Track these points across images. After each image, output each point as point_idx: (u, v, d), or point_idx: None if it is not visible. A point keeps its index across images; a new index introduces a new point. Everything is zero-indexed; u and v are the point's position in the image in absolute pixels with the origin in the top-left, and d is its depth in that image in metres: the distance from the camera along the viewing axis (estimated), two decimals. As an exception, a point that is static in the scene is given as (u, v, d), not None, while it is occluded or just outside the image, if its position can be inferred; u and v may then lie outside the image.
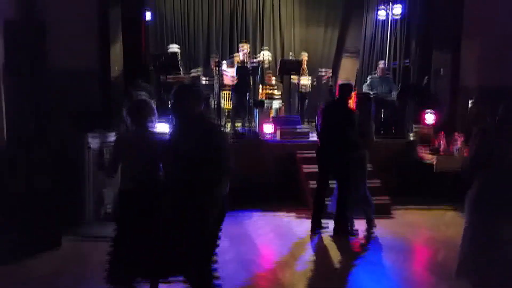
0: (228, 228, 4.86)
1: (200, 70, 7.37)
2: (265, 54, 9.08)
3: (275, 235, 4.81)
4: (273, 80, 8.95)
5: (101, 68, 5.75)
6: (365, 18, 9.91)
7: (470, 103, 6.61)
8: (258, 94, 9.09)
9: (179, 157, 2.69)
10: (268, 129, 6.47)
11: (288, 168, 6.20)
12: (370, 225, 4.79)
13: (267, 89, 8.95)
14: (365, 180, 4.77)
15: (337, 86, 4.99)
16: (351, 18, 10.68)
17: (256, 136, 6.37)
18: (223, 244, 4.40)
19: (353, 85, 10.63)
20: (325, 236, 4.80)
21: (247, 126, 7.33)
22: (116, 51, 5.89)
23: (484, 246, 2.88)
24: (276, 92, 8.84)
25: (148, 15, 8.09)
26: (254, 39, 10.21)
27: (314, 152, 6.19)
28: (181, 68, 6.94)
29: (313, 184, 5.73)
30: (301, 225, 5.14)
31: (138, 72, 5.93)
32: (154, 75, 6.77)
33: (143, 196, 2.82)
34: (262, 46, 9.92)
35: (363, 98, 4.94)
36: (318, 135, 5.05)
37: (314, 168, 5.93)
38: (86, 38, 5.63)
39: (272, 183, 6.08)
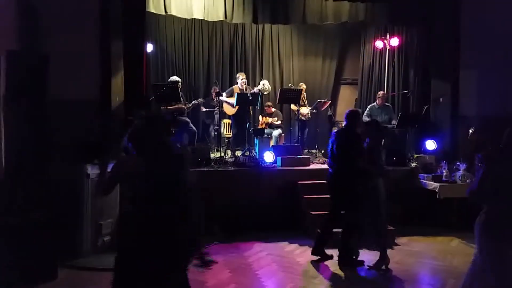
0: (229, 259, 4.80)
1: (200, 100, 7.43)
2: (265, 84, 9.20)
3: (278, 266, 4.66)
4: (272, 109, 9.01)
5: (102, 99, 5.79)
6: (362, 49, 10.10)
7: (470, 131, 6.64)
8: (259, 123, 9.13)
9: (148, 185, 2.65)
10: (269, 157, 6.43)
11: (289, 196, 6.13)
12: (381, 258, 4.58)
13: (267, 118, 8.99)
14: (380, 211, 4.54)
15: (346, 114, 4.90)
16: (349, 49, 10.90)
17: (256, 164, 6.32)
18: (223, 276, 4.30)
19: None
20: (330, 266, 4.66)
21: (247, 154, 7.31)
22: (118, 82, 5.95)
23: (495, 273, 2.79)
24: (275, 121, 8.88)
25: (149, 47, 8.30)
26: (254, 71, 10.36)
27: (315, 181, 6.20)
28: (181, 97, 7.00)
29: (314, 212, 5.67)
30: (304, 254, 5.01)
31: (138, 102, 5.96)
32: (155, 105, 6.81)
33: (145, 218, 2.73)
34: (261, 77, 10.05)
35: (372, 125, 4.88)
36: (329, 163, 4.95)
37: (316, 197, 5.89)
38: (87, 70, 5.71)
39: (273, 212, 5.99)
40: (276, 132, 8.78)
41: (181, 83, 7.18)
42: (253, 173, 6.16)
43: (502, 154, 2.98)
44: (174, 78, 7.21)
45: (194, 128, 7.14)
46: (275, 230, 5.79)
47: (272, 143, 8.67)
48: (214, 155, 7.24)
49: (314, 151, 8.87)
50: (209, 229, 5.61)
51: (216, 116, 7.65)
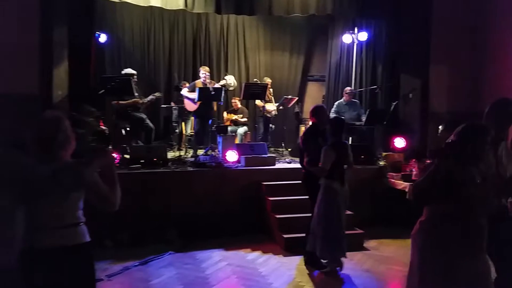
0: (183, 272, 4.30)
1: (158, 94, 6.87)
2: (230, 79, 8.73)
3: (238, 279, 4.20)
4: (239, 105, 8.59)
5: (42, 92, 5.15)
6: (330, 44, 9.82)
7: (440, 129, 6.43)
8: (223, 120, 8.68)
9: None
10: (232, 156, 5.99)
11: (253, 198, 5.70)
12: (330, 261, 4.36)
13: (231, 115, 8.56)
14: (328, 213, 4.25)
15: (311, 110, 4.60)
16: (316, 44, 10.68)
17: (218, 164, 5.85)
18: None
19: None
20: (296, 277, 4.28)
21: (210, 153, 6.85)
22: (60, 74, 5.33)
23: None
24: (241, 118, 8.47)
25: (103, 37, 7.66)
26: (218, 65, 9.90)
27: (280, 181, 5.82)
28: (135, 91, 6.43)
29: (279, 215, 5.28)
30: (267, 263, 4.60)
31: (85, 96, 5.36)
32: (106, 100, 6.23)
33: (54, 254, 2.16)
34: (226, 72, 9.58)
35: (336, 121, 4.49)
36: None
37: (281, 198, 5.51)
38: (26, 60, 5.08)
39: (236, 216, 5.55)
40: (242, 130, 8.37)
41: (136, 76, 6.59)
42: (214, 174, 5.68)
43: (454, 149, 2.55)
44: (128, 70, 6.61)
45: (151, 124, 6.59)
46: (238, 235, 5.36)
47: (237, 141, 8.25)
48: (173, 154, 6.72)
49: (281, 149, 8.53)
50: (165, 237, 5.14)
51: (175, 112, 7.11)
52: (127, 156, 5.71)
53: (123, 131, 6.56)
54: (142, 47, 9.34)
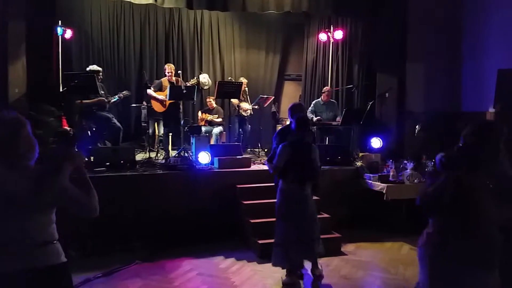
0: (149, 283, 3.97)
1: (126, 93, 6.52)
2: (204, 78, 8.46)
3: (209, 289, 3.95)
4: (214, 105, 8.31)
5: (-3, 90, 4.76)
6: (306, 43, 9.68)
7: (417, 128, 6.37)
8: (198, 120, 8.37)
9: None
10: (204, 158, 5.71)
11: (227, 202, 5.44)
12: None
13: (206, 115, 8.29)
14: (279, 216, 4.06)
15: (288, 109, 4.36)
16: (293, 42, 10.55)
17: (189, 166, 5.56)
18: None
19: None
20: (269, 284, 4.05)
21: (183, 154, 6.55)
22: (17, 71, 4.94)
23: None
24: (216, 118, 8.21)
25: (68, 33, 7.24)
26: (192, 64, 9.59)
27: (255, 184, 5.59)
28: (101, 89, 6.08)
29: (254, 220, 5.04)
30: (241, 272, 4.34)
31: (45, 94, 4.99)
32: (68, 98, 5.84)
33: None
34: (201, 70, 9.29)
35: (297, 119, 4.04)
36: None
37: (256, 202, 5.28)
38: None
39: (209, 221, 5.27)
40: (217, 130, 8.11)
41: (102, 73, 6.22)
42: (185, 177, 5.38)
43: (464, 157, 2.39)
44: (93, 67, 6.23)
45: (118, 124, 6.23)
46: (210, 241, 5.08)
47: (212, 141, 7.99)
48: (145, 156, 6.38)
49: (257, 150, 8.31)
50: (132, 245, 4.83)
51: (144, 111, 6.77)
52: (92, 158, 5.36)
53: (89, 132, 6.19)
54: (112, 43, 8.95)
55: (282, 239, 3.99)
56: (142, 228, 4.93)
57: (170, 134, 7.99)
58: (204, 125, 8.13)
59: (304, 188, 3.97)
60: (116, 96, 6.36)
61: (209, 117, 8.19)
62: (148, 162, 5.77)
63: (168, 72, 6.87)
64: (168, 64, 7.11)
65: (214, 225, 5.27)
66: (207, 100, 8.41)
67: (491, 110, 5.91)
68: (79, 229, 4.74)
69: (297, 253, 3.94)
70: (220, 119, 8.26)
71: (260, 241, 4.74)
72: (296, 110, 4.24)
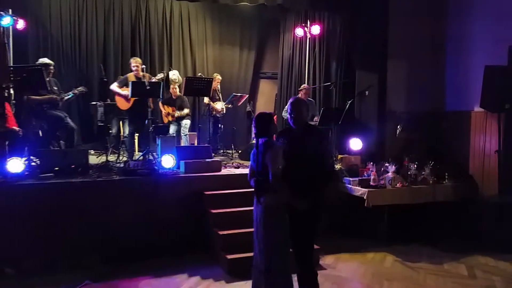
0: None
1: (82, 89, 5.86)
2: (173, 75, 7.85)
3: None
4: (178, 92, 7.57)
5: None
6: (282, 39, 9.23)
7: (398, 129, 5.99)
8: (161, 114, 7.62)
9: None
10: (168, 161, 5.14)
11: (194, 211, 4.88)
12: None
13: (169, 108, 7.50)
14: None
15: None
16: (268, 39, 10.17)
17: (151, 171, 4.97)
18: None
19: (273, 109, 10.05)
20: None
21: (148, 158, 5.96)
22: None
23: None
24: (182, 113, 7.49)
25: (20, 23, 6.55)
26: (161, 59, 9.01)
27: (226, 190, 5.07)
28: (52, 86, 5.44)
29: (223, 232, 4.51)
30: (208, 293, 3.83)
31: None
32: (14, 94, 5.18)
33: None
34: (170, 67, 8.69)
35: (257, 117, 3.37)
36: None
37: (225, 211, 4.75)
38: None
39: (173, 233, 4.71)
40: (186, 123, 7.40)
41: (53, 67, 5.55)
42: (146, 183, 4.79)
43: None
44: (44, 60, 5.56)
45: (72, 124, 5.60)
46: (174, 256, 4.52)
47: (182, 142, 7.40)
48: (99, 159, 5.73)
49: (230, 152, 7.79)
50: (82, 262, 4.22)
51: (100, 109, 6.13)
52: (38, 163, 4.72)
53: (40, 132, 5.54)
54: (73, 36, 8.34)
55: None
56: (93, 242, 4.32)
57: (137, 134, 7.41)
58: (172, 121, 7.44)
59: (259, 199, 3.27)
60: (71, 93, 5.71)
61: (177, 114, 7.49)
62: (104, 166, 5.15)
63: (134, 66, 6.27)
64: (133, 58, 6.49)
65: (177, 237, 4.71)
66: (171, 86, 7.67)
67: (477, 109, 5.57)
68: (20, 244, 4.14)
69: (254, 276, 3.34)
70: (187, 110, 7.55)
71: (229, 256, 4.20)
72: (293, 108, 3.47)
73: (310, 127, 3.44)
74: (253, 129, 3.34)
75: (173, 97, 7.53)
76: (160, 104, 7.29)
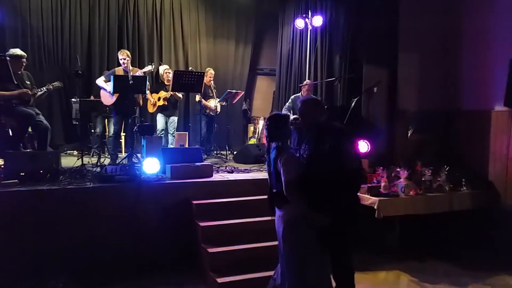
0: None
1: (57, 84, 5.24)
2: (163, 68, 7.20)
3: None
4: (170, 75, 6.79)
5: None
6: (280, 33, 8.61)
7: (410, 130, 5.41)
8: (149, 104, 6.91)
9: None
10: (151, 166, 4.52)
11: (179, 224, 4.27)
12: None
13: (157, 94, 6.79)
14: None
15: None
16: (266, 34, 9.68)
17: (132, 177, 4.35)
18: None
19: (270, 107, 9.47)
20: None
21: (132, 160, 5.36)
22: None
23: None
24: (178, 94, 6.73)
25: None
26: (151, 54, 8.42)
27: (217, 199, 4.47)
28: (24, 80, 4.82)
29: (213, 249, 3.90)
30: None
31: None
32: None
33: None
34: (161, 62, 8.08)
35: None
36: None
37: (216, 224, 4.15)
38: None
39: (156, 248, 4.10)
40: (173, 120, 6.76)
41: (25, 59, 4.92)
42: (124, 191, 4.17)
43: None
44: (15, 51, 4.91)
45: (45, 122, 4.96)
46: (156, 276, 3.92)
47: (170, 144, 6.79)
48: (77, 162, 5.09)
49: (225, 153, 7.20)
50: (49, 282, 3.61)
51: (76, 106, 5.50)
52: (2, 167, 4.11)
53: (10, 131, 4.92)
54: (55, 29, 7.75)
55: None
56: (63, 259, 3.71)
57: (123, 134, 6.79)
58: (162, 107, 6.73)
59: (273, 212, 2.96)
60: (44, 88, 5.09)
61: (163, 94, 6.71)
62: (78, 171, 4.51)
63: (122, 59, 5.66)
64: (121, 50, 5.86)
65: (161, 253, 4.10)
66: (166, 72, 6.96)
67: (498, 108, 5.00)
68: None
69: None
70: (179, 95, 6.85)
71: (219, 280, 3.55)
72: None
73: (324, 127, 2.91)
74: (264, 131, 2.99)
75: (166, 82, 6.83)
76: (148, 93, 6.56)
